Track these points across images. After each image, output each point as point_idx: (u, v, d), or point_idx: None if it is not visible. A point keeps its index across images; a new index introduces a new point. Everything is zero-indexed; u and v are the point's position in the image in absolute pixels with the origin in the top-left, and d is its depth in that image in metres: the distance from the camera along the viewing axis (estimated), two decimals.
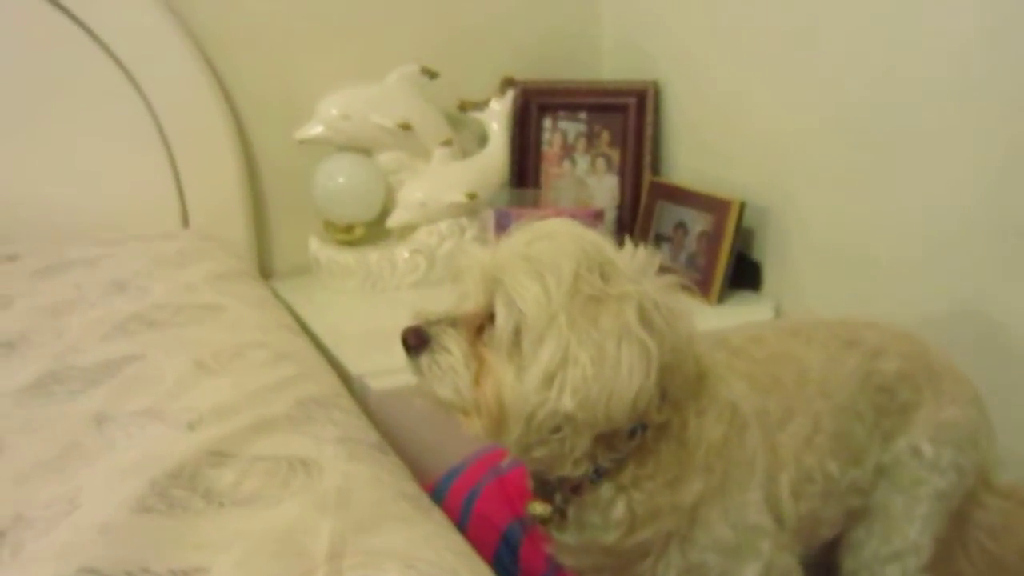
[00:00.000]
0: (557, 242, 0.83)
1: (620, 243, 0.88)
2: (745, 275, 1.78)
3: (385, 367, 1.38)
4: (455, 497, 1.31)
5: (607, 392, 0.78)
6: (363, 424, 1.12)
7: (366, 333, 1.61)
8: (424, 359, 0.84)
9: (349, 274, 1.83)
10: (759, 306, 1.74)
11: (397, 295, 1.82)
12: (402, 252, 1.84)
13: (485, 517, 1.27)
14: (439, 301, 0.89)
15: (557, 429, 0.82)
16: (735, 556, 0.93)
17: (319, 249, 1.86)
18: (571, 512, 0.91)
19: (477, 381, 0.82)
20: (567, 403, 0.78)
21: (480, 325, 0.83)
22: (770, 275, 1.77)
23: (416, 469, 1.11)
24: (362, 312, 1.76)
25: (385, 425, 1.25)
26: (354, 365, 1.46)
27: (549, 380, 0.79)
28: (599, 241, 0.85)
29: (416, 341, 0.85)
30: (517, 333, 0.80)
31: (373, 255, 1.84)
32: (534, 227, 0.86)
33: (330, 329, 1.62)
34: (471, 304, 0.85)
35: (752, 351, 1.04)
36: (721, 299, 1.74)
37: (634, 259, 0.85)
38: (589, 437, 0.83)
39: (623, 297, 0.80)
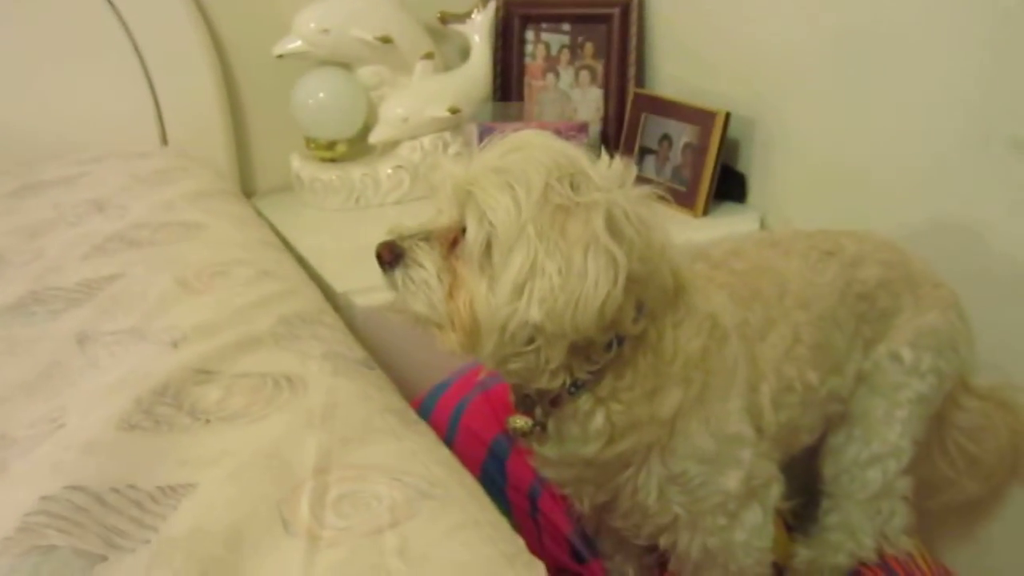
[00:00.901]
0: (528, 153, 0.82)
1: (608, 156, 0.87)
2: (730, 187, 1.77)
3: (370, 284, 1.36)
4: (442, 412, 1.32)
5: (573, 301, 0.78)
6: (348, 340, 1.12)
7: (350, 250, 1.60)
8: (398, 274, 0.84)
9: (332, 191, 1.81)
10: (744, 218, 1.74)
11: (381, 212, 1.81)
12: (385, 168, 1.82)
13: (472, 431, 1.29)
14: (421, 217, 0.88)
15: (530, 340, 0.82)
16: (716, 465, 0.95)
17: (301, 166, 1.84)
18: (551, 425, 0.92)
19: (451, 295, 0.82)
20: (535, 313, 0.78)
21: (454, 239, 0.83)
22: (755, 187, 1.76)
23: (403, 385, 1.12)
24: (346, 229, 1.75)
25: (371, 342, 1.25)
26: (339, 283, 1.46)
27: (518, 291, 0.79)
28: (571, 152, 0.84)
29: (390, 256, 0.84)
30: (488, 245, 0.80)
31: (356, 172, 1.82)
32: (506, 140, 0.85)
33: (314, 247, 1.62)
34: (445, 218, 0.85)
35: (732, 264, 1.04)
36: (706, 211, 1.74)
37: (609, 170, 0.84)
38: (562, 348, 0.83)
39: (591, 206, 0.79)
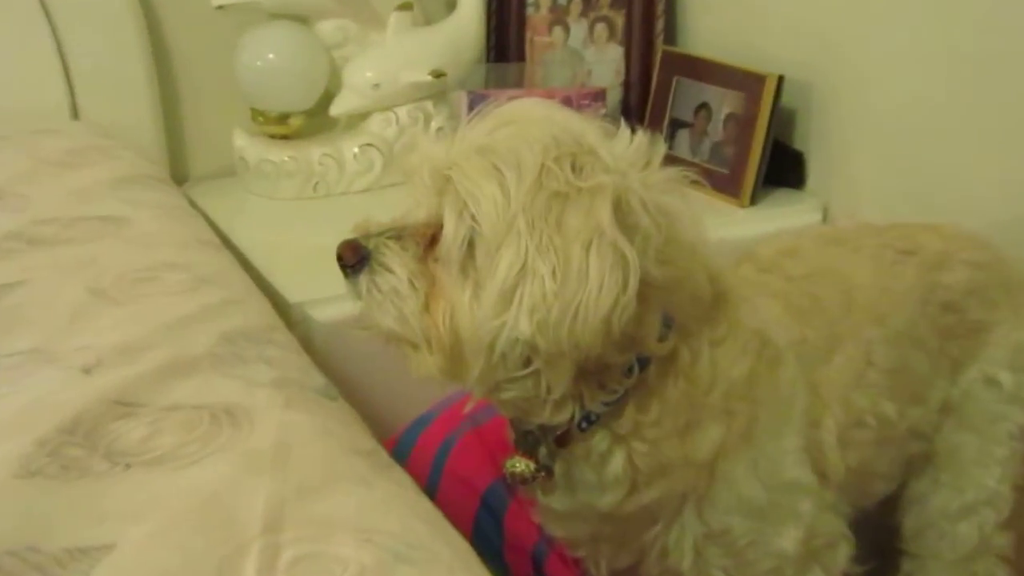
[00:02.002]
0: (522, 129, 0.82)
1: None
2: (784, 168, 1.78)
3: (332, 293, 1.37)
4: (423, 453, 1.33)
5: (571, 310, 0.77)
6: (305, 364, 1.12)
7: (307, 251, 1.60)
8: (363, 280, 0.85)
9: (285, 176, 1.82)
10: (802, 207, 1.76)
11: (345, 202, 1.83)
12: (351, 147, 1.83)
13: (461, 477, 1.29)
14: (396, 209, 0.89)
15: (527, 362, 0.82)
16: (768, 520, 0.95)
17: (246, 145, 1.85)
18: (559, 469, 0.92)
19: (427, 306, 0.83)
20: (524, 326, 0.78)
21: (432, 236, 0.83)
22: (815, 168, 1.77)
23: (374, 420, 1.12)
24: (302, 224, 1.77)
25: (334, 365, 1.26)
26: (293, 291, 1.47)
27: (507, 300, 0.78)
28: (577, 126, 0.84)
29: (354, 258, 0.85)
30: (472, 244, 0.80)
31: (314, 152, 1.83)
32: (497, 112, 0.85)
33: (262, 246, 1.63)
34: (422, 211, 0.85)
35: (786, 266, 1.05)
36: (754, 199, 1.75)
37: (628, 148, 0.84)
38: (566, 372, 0.82)
39: (596, 191, 0.79)
